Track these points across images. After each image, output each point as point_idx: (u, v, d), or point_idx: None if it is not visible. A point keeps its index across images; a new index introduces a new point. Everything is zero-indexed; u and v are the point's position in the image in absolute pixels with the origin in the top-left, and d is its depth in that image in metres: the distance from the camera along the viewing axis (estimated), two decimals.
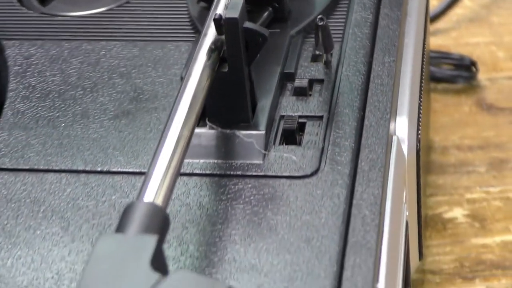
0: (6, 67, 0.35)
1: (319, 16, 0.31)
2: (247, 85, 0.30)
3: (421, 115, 0.35)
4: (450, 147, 0.46)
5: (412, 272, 0.36)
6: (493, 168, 0.45)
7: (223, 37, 0.29)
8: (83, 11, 0.39)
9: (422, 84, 0.37)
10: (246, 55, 0.29)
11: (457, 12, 0.55)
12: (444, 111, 0.48)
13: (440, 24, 0.54)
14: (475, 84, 0.49)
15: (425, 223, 0.41)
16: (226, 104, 0.30)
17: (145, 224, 0.23)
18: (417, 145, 0.34)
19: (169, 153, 0.26)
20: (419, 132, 0.35)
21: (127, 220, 0.24)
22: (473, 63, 0.50)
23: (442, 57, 0.50)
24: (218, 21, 0.29)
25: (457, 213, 0.42)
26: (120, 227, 0.23)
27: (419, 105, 0.36)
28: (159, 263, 0.23)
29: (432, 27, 0.52)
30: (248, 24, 0.29)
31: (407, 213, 0.34)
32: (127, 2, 0.39)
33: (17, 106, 0.33)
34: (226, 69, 0.30)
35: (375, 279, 0.26)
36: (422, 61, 0.39)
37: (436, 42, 0.52)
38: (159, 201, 0.24)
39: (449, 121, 0.47)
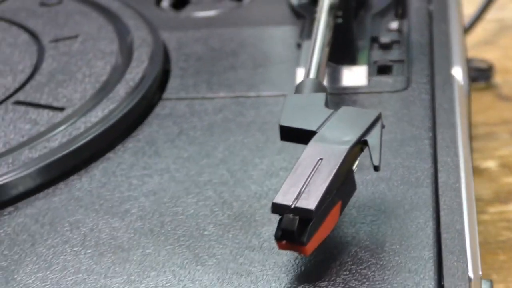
0: None
1: None
2: (354, 33, 0.44)
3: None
4: (479, 124, 0.59)
5: None
6: None
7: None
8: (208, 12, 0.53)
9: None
10: (354, 9, 0.43)
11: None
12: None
13: None
14: (493, 83, 0.64)
15: None
16: (339, 48, 0.44)
17: (314, 88, 0.37)
18: (468, 90, 0.47)
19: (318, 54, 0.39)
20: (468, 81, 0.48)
21: (301, 88, 0.37)
22: (490, 67, 0.64)
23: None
24: None
25: (490, 164, 0.56)
26: (297, 91, 0.36)
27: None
28: (328, 107, 0.35)
29: None
30: None
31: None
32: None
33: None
34: (340, 21, 0.43)
35: None
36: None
37: None
38: (318, 76, 0.38)
39: (476, 108, 0.61)
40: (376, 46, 0.46)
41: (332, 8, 0.43)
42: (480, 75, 0.64)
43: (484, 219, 0.51)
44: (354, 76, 0.44)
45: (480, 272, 0.33)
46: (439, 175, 0.36)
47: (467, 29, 0.68)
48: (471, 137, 0.58)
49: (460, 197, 0.35)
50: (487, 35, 0.72)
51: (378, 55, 0.45)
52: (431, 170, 0.36)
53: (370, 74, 0.44)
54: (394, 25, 0.47)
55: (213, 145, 0.39)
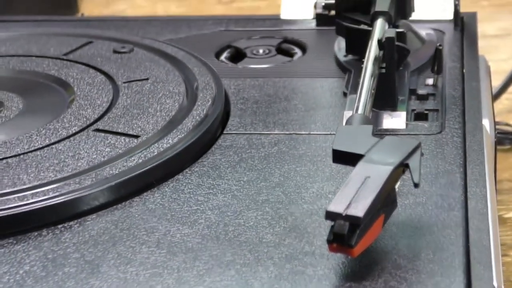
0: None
1: (439, 44, 0.51)
2: (396, 82, 0.50)
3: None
4: (504, 180, 0.65)
5: None
6: None
7: (381, 52, 0.49)
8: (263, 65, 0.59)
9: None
10: (396, 62, 0.49)
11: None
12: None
13: None
14: None
15: None
16: (381, 96, 0.50)
17: (362, 121, 0.42)
18: (494, 143, 0.53)
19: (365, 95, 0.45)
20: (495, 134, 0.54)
21: (351, 120, 0.43)
22: None
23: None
24: (380, 41, 0.49)
25: None
26: (348, 123, 0.42)
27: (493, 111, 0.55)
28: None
29: None
30: (398, 42, 0.49)
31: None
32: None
33: None
34: (383, 71, 0.49)
35: None
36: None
37: None
38: (365, 113, 0.43)
39: (501, 167, 0.66)
40: (414, 97, 0.52)
41: (376, 60, 0.49)
42: (506, 137, 0.69)
43: (506, 261, 0.56)
44: (394, 120, 0.49)
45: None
46: (469, 202, 0.41)
47: (493, 98, 0.74)
48: (496, 190, 0.63)
49: (487, 219, 0.40)
50: (511, 104, 0.78)
51: (415, 105, 0.51)
52: (461, 198, 0.42)
53: (408, 120, 0.49)
54: (430, 80, 0.53)
55: (270, 171, 0.45)
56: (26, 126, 0.50)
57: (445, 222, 0.40)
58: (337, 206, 0.36)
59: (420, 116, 0.50)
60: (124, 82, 0.54)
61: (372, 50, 0.49)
